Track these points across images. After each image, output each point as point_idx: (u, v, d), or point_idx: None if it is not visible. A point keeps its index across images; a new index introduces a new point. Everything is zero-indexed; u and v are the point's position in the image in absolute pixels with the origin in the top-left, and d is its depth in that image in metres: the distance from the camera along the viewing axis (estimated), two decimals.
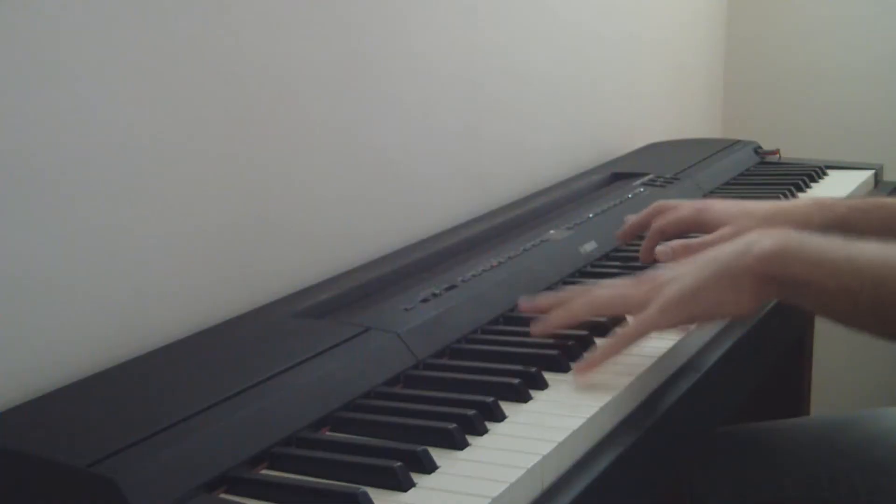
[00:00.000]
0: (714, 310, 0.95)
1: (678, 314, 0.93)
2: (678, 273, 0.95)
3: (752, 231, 0.95)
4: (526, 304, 1.04)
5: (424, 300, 1.05)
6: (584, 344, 0.98)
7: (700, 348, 1.03)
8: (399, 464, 0.74)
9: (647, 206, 1.26)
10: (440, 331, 1.00)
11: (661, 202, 1.24)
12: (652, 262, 1.21)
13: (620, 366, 0.94)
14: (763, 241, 0.91)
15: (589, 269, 1.24)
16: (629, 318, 0.99)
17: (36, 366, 0.92)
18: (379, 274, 1.19)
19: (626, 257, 1.26)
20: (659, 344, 0.98)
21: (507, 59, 1.59)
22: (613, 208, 1.42)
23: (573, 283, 1.19)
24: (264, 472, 0.78)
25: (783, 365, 1.84)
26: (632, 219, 1.27)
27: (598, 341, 0.99)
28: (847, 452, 1.20)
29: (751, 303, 0.93)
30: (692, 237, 1.20)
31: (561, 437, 0.79)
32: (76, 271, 0.95)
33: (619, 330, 0.96)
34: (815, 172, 1.70)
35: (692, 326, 1.01)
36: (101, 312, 0.98)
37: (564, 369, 0.94)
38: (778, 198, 1.52)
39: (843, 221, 1.15)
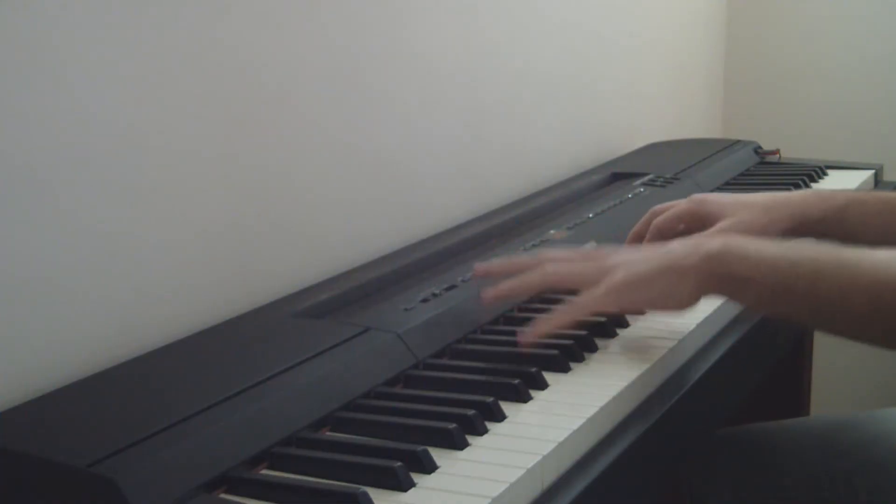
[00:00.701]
0: (657, 301, 0.98)
1: (622, 299, 0.97)
2: (629, 259, 0.99)
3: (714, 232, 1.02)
4: (479, 268, 1.06)
5: (424, 300, 1.05)
6: (585, 344, 0.98)
7: (700, 348, 1.03)
8: (399, 464, 0.74)
9: (644, 215, 1.26)
10: (440, 331, 1.00)
11: (656, 207, 1.25)
12: None
13: (620, 366, 0.94)
14: (711, 242, 0.96)
15: None
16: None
17: (36, 366, 0.92)
18: (379, 274, 1.19)
19: None
20: (659, 345, 0.98)
21: (507, 59, 1.59)
22: (613, 208, 1.42)
23: None
24: (264, 472, 0.78)
25: (783, 365, 1.84)
26: (630, 232, 1.27)
27: (599, 342, 0.99)
28: (847, 453, 1.20)
29: (692, 298, 0.97)
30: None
31: (561, 437, 0.79)
32: (76, 271, 0.95)
33: (566, 303, 0.98)
34: (815, 172, 1.70)
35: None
36: (101, 312, 0.98)
37: (564, 369, 0.94)
38: None
39: (841, 212, 1.15)
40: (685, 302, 0.98)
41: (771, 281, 0.93)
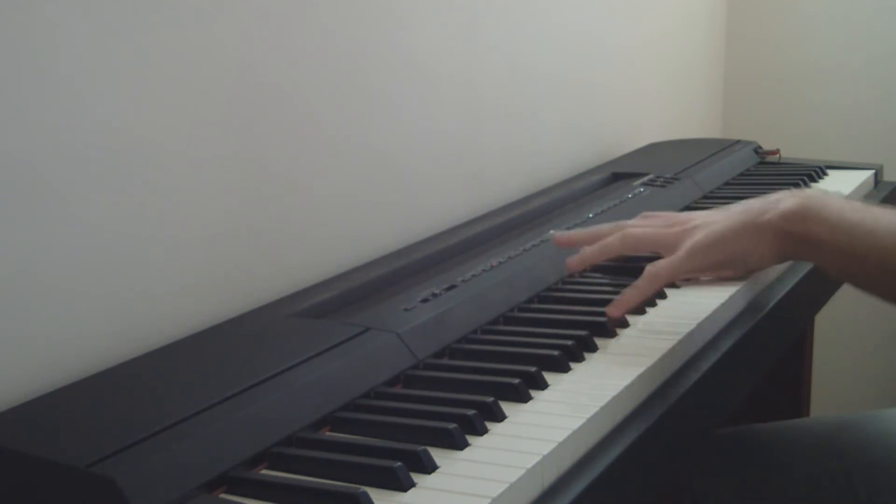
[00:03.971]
0: (736, 259, 0.99)
1: (704, 259, 0.98)
2: (708, 219, 0.99)
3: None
4: (560, 237, 1.07)
5: (424, 300, 1.05)
6: (585, 344, 0.98)
7: (700, 349, 1.03)
8: (399, 464, 0.74)
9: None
10: (440, 331, 1.00)
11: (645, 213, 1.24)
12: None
13: (620, 366, 0.94)
14: (789, 199, 0.95)
15: (589, 268, 1.24)
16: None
17: (36, 366, 0.92)
18: (379, 274, 1.18)
19: (626, 257, 1.26)
20: (659, 344, 0.98)
21: (507, 59, 1.59)
22: (613, 208, 1.41)
23: (573, 282, 1.19)
24: (264, 472, 0.78)
25: (783, 365, 1.84)
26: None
27: (599, 342, 0.99)
28: (847, 453, 1.20)
29: (771, 256, 0.98)
30: None
31: (561, 437, 0.79)
32: (76, 271, 0.95)
33: (648, 269, 0.98)
34: (815, 172, 1.70)
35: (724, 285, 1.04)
36: (101, 312, 0.98)
37: (564, 369, 0.94)
38: None
39: None
40: (764, 260, 0.97)
41: (845, 247, 0.92)
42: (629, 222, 1.04)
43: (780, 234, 0.94)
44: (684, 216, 1.02)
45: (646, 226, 1.02)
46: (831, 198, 0.96)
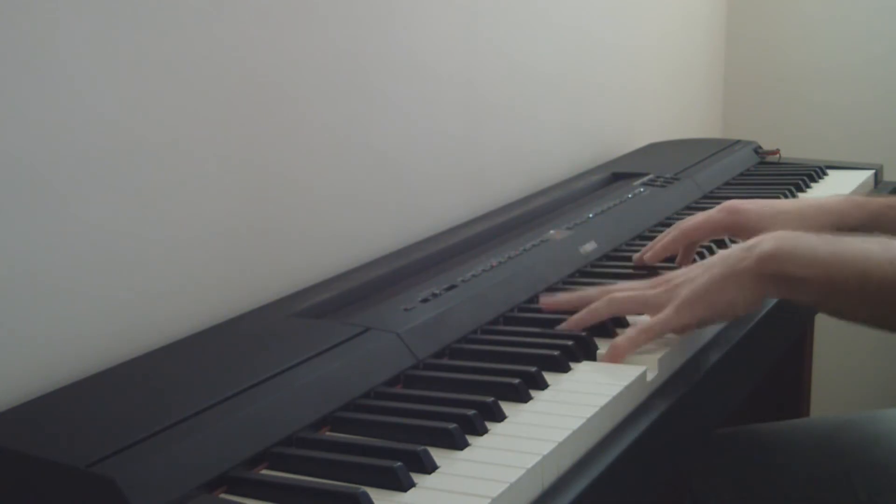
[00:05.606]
0: (724, 310, 1.00)
1: (693, 315, 0.98)
2: (691, 275, 1.00)
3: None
4: (547, 302, 1.08)
5: (424, 300, 1.04)
6: (585, 345, 0.98)
7: (700, 348, 1.03)
8: (399, 464, 0.74)
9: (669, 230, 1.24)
10: (440, 331, 1.00)
11: (682, 221, 1.23)
12: (660, 260, 1.21)
13: (621, 366, 0.94)
14: (764, 243, 0.97)
15: (589, 268, 1.24)
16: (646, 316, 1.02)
17: (36, 366, 0.92)
18: (379, 274, 1.18)
19: (626, 257, 1.26)
20: (659, 344, 0.98)
21: (507, 59, 1.59)
22: (613, 208, 1.42)
23: (573, 283, 1.19)
24: (264, 472, 0.78)
25: (783, 365, 1.84)
26: (652, 244, 1.24)
27: (599, 342, 0.99)
28: (847, 453, 1.20)
29: (755, 301, 0.99)
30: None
31: (561, 437, 0.79)
32: (76, 271, 0.95)
33: (639, 323, 0.99)
34: (815, 172, 1.70)
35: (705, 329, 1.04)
36: (101, 312, 0.98)
37: (564, 369, 0.94)
38: (777, 198, 1.52)
39: (876, 218, 1.16)
40: (749, 305, 0.99)
41: (823, 280, 0.94)
42: (614, 287, 1.05)
43: (760, 278, 0.96)
44: (666, 276, 1.04)
45: (630, 289, 1.04)
46: (803, 236, 0.97)
